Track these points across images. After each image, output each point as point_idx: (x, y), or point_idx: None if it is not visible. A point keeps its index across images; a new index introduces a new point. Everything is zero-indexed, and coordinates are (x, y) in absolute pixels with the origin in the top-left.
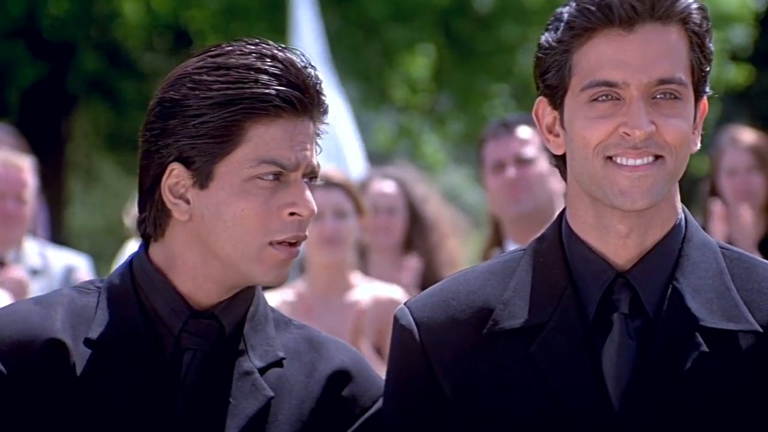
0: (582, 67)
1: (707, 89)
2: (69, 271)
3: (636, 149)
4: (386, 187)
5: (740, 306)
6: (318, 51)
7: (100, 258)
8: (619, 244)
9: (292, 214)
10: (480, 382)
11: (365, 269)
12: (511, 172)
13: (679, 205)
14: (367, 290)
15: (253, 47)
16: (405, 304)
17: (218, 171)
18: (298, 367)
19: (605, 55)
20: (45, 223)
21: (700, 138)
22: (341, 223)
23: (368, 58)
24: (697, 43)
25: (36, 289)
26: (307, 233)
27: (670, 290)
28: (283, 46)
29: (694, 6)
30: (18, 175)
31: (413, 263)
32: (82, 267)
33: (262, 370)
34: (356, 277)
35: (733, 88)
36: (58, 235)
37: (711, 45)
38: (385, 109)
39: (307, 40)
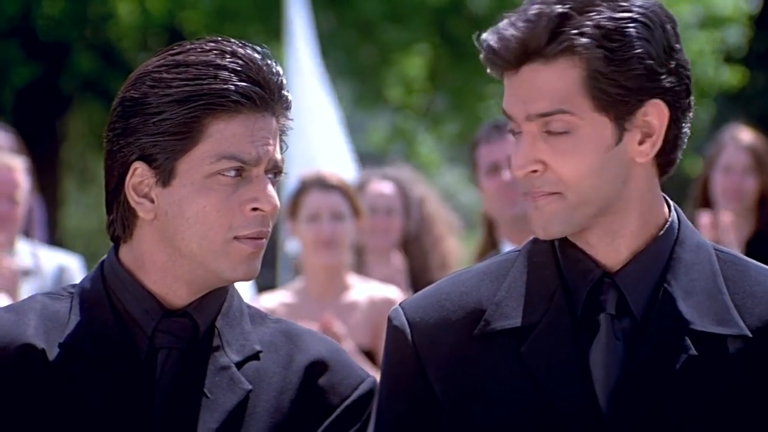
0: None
1: (643, 98)
2: (61, 272)
3: (534, 188)
4: (384, 187)
5: (731, 310)
6: (311, 52)
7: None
8: (604, 246)
9: (254, 209)
10: (471, 382)
11: (362, 270)
12: (507, 174)
13: (668, 207)
14: (363, 290)
15: (213, 44)
16: (399, 304)
17: (180, 168)
18: (275, 360)
19: (506, 92)
20: (42, 223)
21: (660, 143)
22: (338, 225)
23: (363, 58)
24: (599, 71)
25: (28, 289)
26: (269, 229)
27: (659, 292)
28: (244, 42)
29: (583, 39)
30: (10, 176)
31: (397, 261)
32: (74, 267)
33: (239, 365)
34: (352, 278)
35: (727, 90)
36: (52, 236)
37: (627, 60)
38: (380, 110)
39: (301, 42)
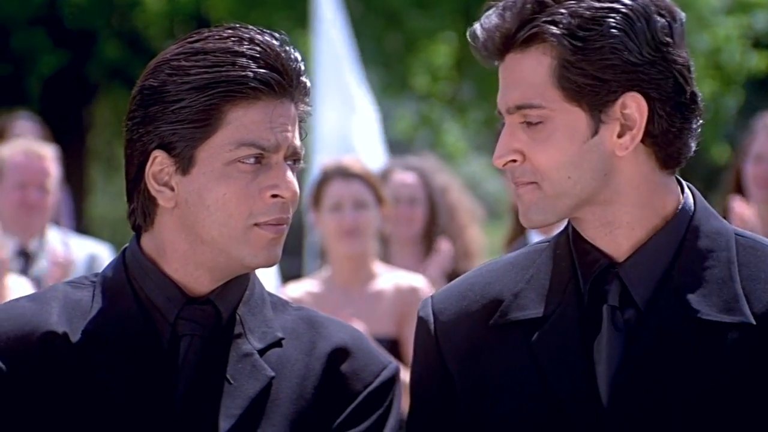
0: None
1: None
2: (92, 260)
3: (514, 177)
4: (407, 177)
5: (739, 298)
6: (344, 39)
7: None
8: (603, 238)
9: (274, 196)
10: (484, 372)
11: (387, 259)
12: None
13: (682, 194)
14: (389, 279)
15: (231, 31)
16: (431, 295)
17: (199, 156)
18: (298, 347)
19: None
20: (69, 212)
21: (641, 137)
22: (361, 214)
23: (389, 46)
24: (567, 60)
25: (60, 278)
26: (289, 216)
27: (665, 282)
28: (263, 29)
29: (552, 27)
30: (41, 165)
31: (445, 247)
32: (104, 255)
33: (262, 352)
34: (378, 267)
35: (755, 75)
36: (79, 224)
37: (598, 50)
38: (406, 98)
39: (332, 29)
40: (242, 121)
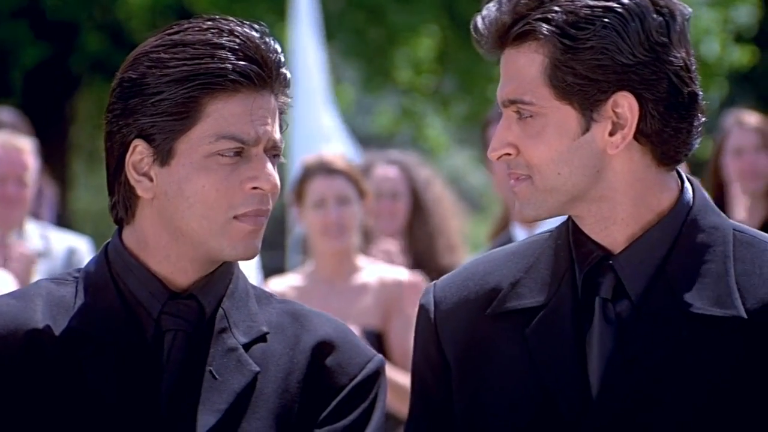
0: None
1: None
2: (71, 253)
3: (509, 170)
4: (390, 171)
5: (733, 292)
6: (315, 34)
7: (102, 240)
8: (599, 233)
9: (254, 188)
10: (480, 360)
11: (368, 253)
12: None
13: (682, 189)
14: (373, 272)
15: (210, 23)
16: (434, 282)
17: (179, 148)
18: (282, 341)
19: None
20: (52, 205)
21: (632, 134)
22: (345, 210)
23: (371, 40)
24: (558, 59)
25: (39, 271)
26: (268, 208)
27: (659, 275)
28: (242, 20)
29: (545, 25)
30: (19, 158)
31: (390, 246)
32: (83, 249)
33: (247, 346)
34: (362, 260)
35: (737, 70)
36: (61, 217)
37: (588, 50)
38: (388, 91)
39: (305, 23)
40: (222, 114)
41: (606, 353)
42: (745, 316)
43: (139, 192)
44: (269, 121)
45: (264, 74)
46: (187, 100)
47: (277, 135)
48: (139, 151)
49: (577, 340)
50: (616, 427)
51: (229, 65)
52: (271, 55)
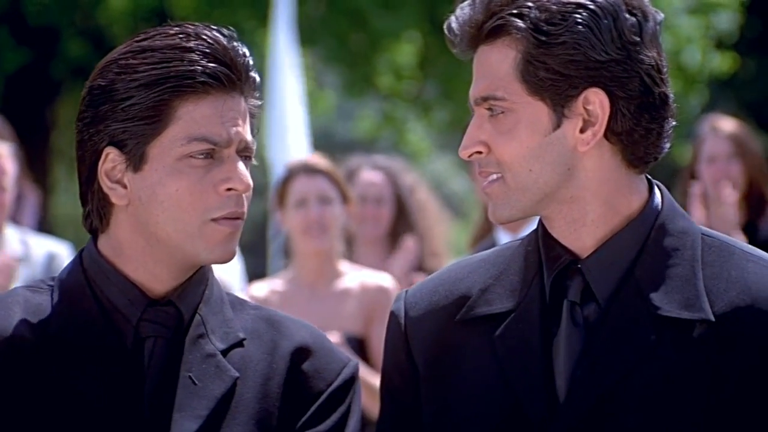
0: None
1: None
2: (51, 259)
3: (479, 168)
4: (375, 176)
5: (701, 295)
6: (290, 40)
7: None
8: (569, 235)
9: (228, 189)
10: (449, 366)
11: (352, 259)
12: None
13: (650, 193)
14: (355, 278)
15: (177, 29)
16: (405, 290)
17: (151, 153)
18: (260, 346)
19: None
20: (33, 210)
21: (602, 132)
22: (326, 209)
23: (353, 45)
24: (531, 53)
25: (18, 276)
26: (244, 210)
27: (627, 278)
28: (209, 25)
29: (518, 21)
30: None
31: (410, 244)
32: (63, 254)
33: (224, 352)
34: (344, 265)
35: (717, 76)
36: (42, 223)
37: (560, 45)
38: (370, 97)
39: (282, 29)
40: (192, 116)
41: (573, 356)
42: (713, 319)
43: (113, 199)
44: (240, 122)
45: (233, 76)
46: (158, 104)
47: (249, 136)
48: (111, 159)
49: (544, 344)
50: (582, 430)
51: (198, 67)
52: (239, 58)
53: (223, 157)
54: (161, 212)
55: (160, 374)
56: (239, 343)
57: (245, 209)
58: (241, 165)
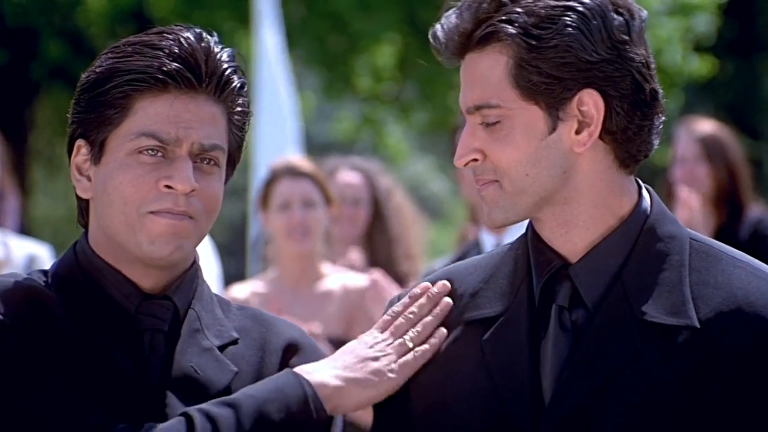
0: None
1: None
2: (31, 260)
3: (476, 176)
4: (353, 178)
5: (687, 301)
6: (277, 42)
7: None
8: (559, 238)
9: (167, 186)
10: (439, 370)
11: (328, 259)
12: None
13: (639, 197)
14: (336, 279)
15: (164, 29)
16: (398, 294)
17: (109, 145)
18: (250, 344)
19: None
20: (15, 212)
21: (598, 132)
22: (310, 212)
23: (332, 47)
24: (523, 58)
25: None
26: (184, 209)
27: (615, 283)
28: (197, 29)
29: (508, 26)
30: None
31: (354, 256)
32: (44, 256)
33: (219, 349)
34: (326, 267)
35: (696, 79)
36: (20, 224)
37: (552, 48)
38: (349, 99)
39: (268, 30)
40: (147, 112)
41: (560, 360)
42: (698, 326)
43: (79, 192)
44: (196, 124)
45: (194, 78)
46: (119, 97)
47: (210, 141)
48: (82, 152)
49: (532, 348)
50: None
51: (156, 63)
52: (212, 61)
53: (174, 157)
54: (108, 205)
55: (163, 366)
56: (233, 342)
57: (188, 211)
58: (188, 167)
